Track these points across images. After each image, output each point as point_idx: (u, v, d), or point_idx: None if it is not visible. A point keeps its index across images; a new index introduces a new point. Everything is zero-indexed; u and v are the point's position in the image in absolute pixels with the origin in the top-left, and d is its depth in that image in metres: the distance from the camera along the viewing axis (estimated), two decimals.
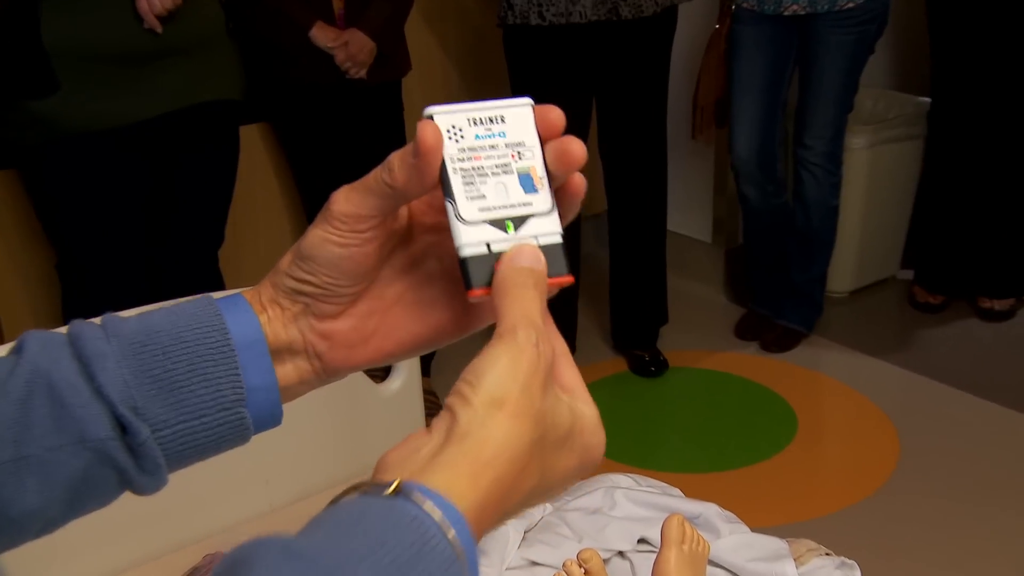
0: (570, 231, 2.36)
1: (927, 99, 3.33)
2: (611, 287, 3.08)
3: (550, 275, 0.50)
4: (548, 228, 0.52)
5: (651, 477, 1.54)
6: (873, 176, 3.33)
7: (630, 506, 1.36)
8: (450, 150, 0.52)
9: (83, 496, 0.52)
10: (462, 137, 0.52)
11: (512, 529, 1.30)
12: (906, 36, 3.57)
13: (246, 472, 1.54)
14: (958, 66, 3.13)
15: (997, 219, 3.23)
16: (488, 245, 0.51)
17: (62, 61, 2.11)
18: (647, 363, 3.05)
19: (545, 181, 0.53)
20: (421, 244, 0.56)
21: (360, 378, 1.64)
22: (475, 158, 0.52)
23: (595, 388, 2.97)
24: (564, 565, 1.11)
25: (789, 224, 3.12)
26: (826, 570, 1.25)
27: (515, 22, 2.64)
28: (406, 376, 1.68)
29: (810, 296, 3.19)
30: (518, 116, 0.53)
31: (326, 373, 0.56)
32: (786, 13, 2.84)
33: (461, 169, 0.51)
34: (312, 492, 1.58)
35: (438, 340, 0.56)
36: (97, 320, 0.53)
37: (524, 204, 0.52)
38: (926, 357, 3.10)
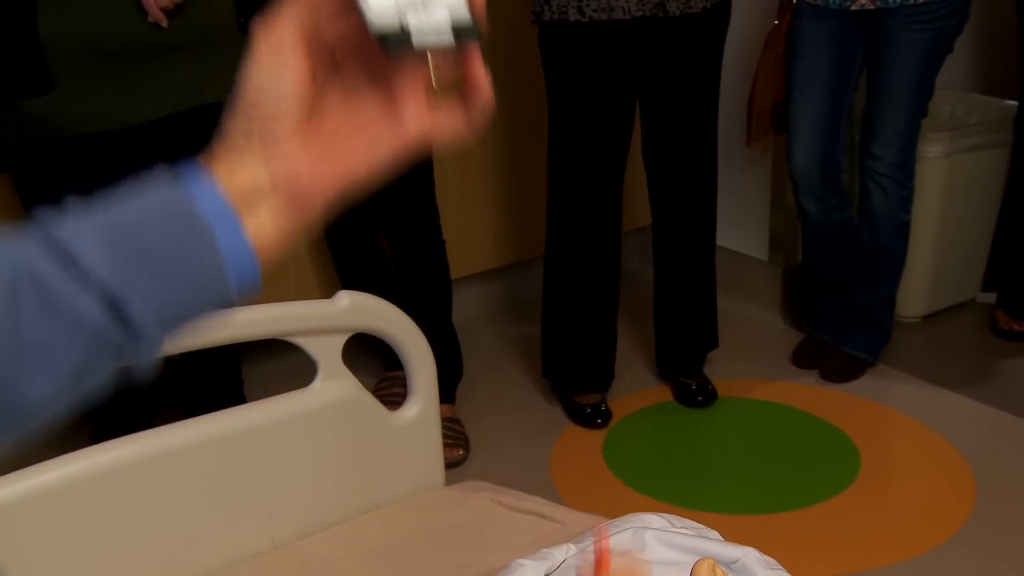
0: (611, 245, 2.42)
1: (1014, 103, 3.32)
2: (655, 308, 3.10)
3: (457, 24, 0.60)
4: None
5: (696, 518, 1.55)
6: (950, 188, 3.32)
7: (661, 549, 1.38)
8: None
9: (85, 379, 0.60)
10: None
11: (531, 571, 1.32)
12: (990, 32, 3.56)
13: (247, 506, 1.57)
14: None
15: None
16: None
17: (59, 57, 2.17)
18: (694, 392, 3.06)
19: None
20: (347, 66, 0.65)
21: (373, 406, 1.67)
22: None
23: (637, 418, 3.01)
24: None
25: (854, 241, 3.12)
26: None
27: (552, 18, 2.67)
28: (423, 405, 1.71)
29: (877, 321, 3.18)
30: None
31: (302, 200, 0.63)
32: (853, 8, 2.85)
33: None
34: (318, 528, 1.61)
35: (391, 145, 0.65)
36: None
37: None
38: (1009, 391, 3.08)
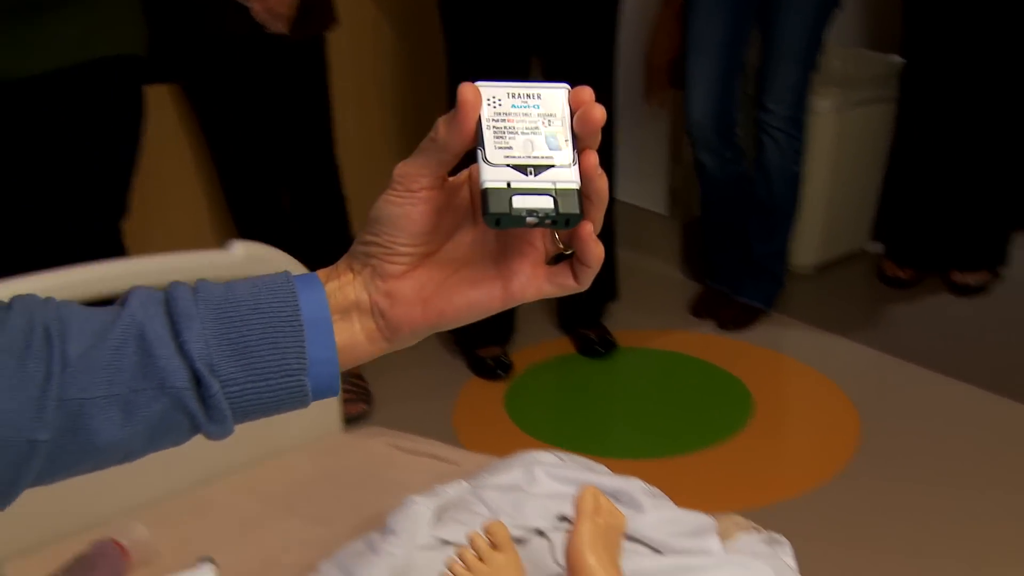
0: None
1: (899, 58, 3.41)
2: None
3: (563, 210, 0.63)
4: (567, 177, 0.64)
5: (598, 463, 1.60)
6: (841, 141, 3.41)
7: (550, 483, 1.42)
8: (487, 113, 0.65)
9: (160, 434, 0.66)
10: (500, 104, 0.66)
11: (424, 507, 1.35)
12: None
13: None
14: (930, 23, 3.21)
15: (971, 188, 3.33)
16: (508, 183, 0.63)
17: None
18: (594, 343, 3.12)
19: (570, 143, 0.65)
20: (483, 229, 0.70)
21: None
22: (508, 120, 0.65)
23: (539, 370, 3.06)
24: (470, 538, 1.16)
25: (749, 194, 3.19)
26: (753, 545, 1.32)
27: None
28: None
29: (771, 271, 3.27)
30: (554, 95, 0.67)
31: (390, 331, 0.69)
32: None
33: (494, 126, 0.65)
34: (215, 475, 1.62)
35: (490, 308, 0.70)
36: (191, 283, 0.69)
37: (546, 157, 0.64)
38: (895, 336, 3.20)
